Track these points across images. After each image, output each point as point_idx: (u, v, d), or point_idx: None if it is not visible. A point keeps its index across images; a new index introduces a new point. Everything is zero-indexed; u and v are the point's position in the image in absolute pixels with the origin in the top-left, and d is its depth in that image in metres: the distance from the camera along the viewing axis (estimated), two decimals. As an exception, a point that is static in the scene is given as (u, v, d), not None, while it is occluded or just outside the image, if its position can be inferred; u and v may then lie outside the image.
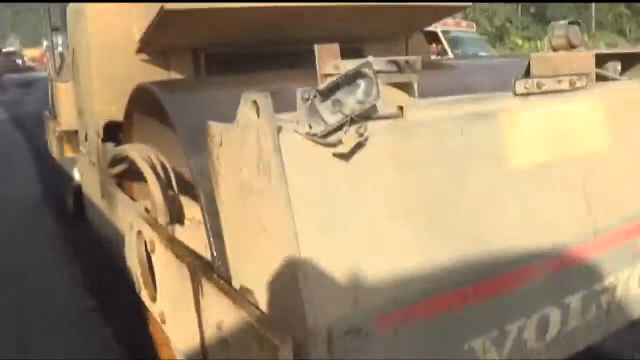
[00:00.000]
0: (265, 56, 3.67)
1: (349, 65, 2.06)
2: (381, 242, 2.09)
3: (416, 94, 2.31)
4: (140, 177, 3.65)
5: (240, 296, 2.26)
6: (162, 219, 3.40)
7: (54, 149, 7.60)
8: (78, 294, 5.62)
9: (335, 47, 2.43)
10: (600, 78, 3.19)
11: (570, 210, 2.71)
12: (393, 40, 5.29)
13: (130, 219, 3.60)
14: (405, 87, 2.30)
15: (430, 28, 14.36)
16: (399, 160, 2.20)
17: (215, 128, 2.25)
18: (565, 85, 2.79)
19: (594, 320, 2.85)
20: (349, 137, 1.98)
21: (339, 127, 1.98)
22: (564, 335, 2.73)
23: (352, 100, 2.00)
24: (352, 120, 1.97)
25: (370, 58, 2.06)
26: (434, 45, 14.83)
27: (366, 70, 1.99)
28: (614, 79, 3.31)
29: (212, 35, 4.29)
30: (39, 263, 6.56)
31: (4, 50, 50.52)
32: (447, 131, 2.36)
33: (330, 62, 2.27)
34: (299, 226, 1.92)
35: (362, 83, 2.01)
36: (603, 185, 2.84)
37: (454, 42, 15.51)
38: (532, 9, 40.55)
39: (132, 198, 4.08)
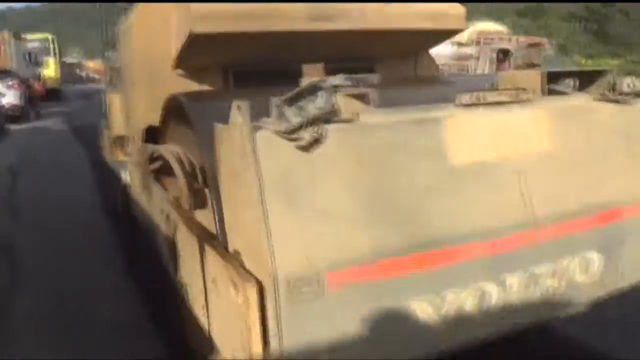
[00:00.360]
0: (290, 72, 3.80)
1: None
2: (334, 215, 2.79)
3: (373, 104, 3.01)
4: (172, 172, 4.38)
5: (229, 256, 3.05)
6: (186, 204, 4.15)
7: (107, 153, 8.38)
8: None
9: (319, 66, 3.53)
10: (553, 92, 3.99)
11: (507, 202, 3.28)
12: (402, 59, 5.93)
13: (161, 206, 4.66)
14: (362, 97, 2.98)
15: (505, 46, 14.56)
16: (353, 154, 2.89)
17: (218, 129, 3.00)
18: (506, 98, 3.46)
19: (538, 301, 3.41)
20: (307, 134, 2.71)
21: (300, 127, 2.69)
22: (505, 310, 3.27)
23: (311, 107, 2.71)
24: (312, 122, 2.70)
25: (339, 76, 2.85)
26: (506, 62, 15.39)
27: (324, 84, 2.72)
28: (563, 93, 4.02)
29: (237, 55, 4.95)
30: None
31: (67, 61, 51.20)
32: (395, 132, 3.04)
33: (315, 78, 2.90)
34: (267, 199, 2.67)
35: (321, 94, 2.71)
36: (543, 183, 3.40)
37: None
38: (594, 27, 40.14)
39: (166, 190, 4.85)
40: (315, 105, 2.73)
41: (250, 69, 4.96)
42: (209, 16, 4.46)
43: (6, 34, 31.21)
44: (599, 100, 3.84)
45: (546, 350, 4.76)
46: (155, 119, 5.07)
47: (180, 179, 4.24)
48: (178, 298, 4.28)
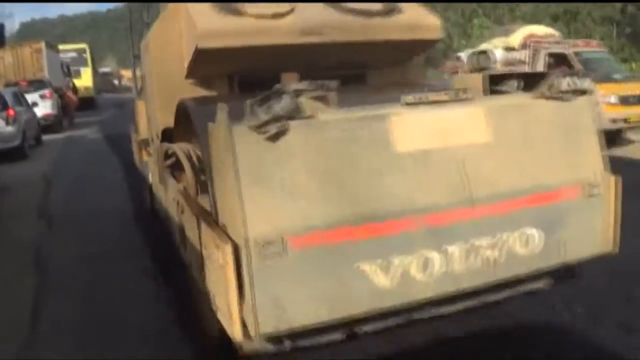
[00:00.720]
0: (309, 74, 4.38)
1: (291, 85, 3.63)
2: (296, 192, 3.53)
3: (333, 104, 3.76)
4: (182, 166, 5.35)
5: (217, 228, 3.85)
6: (192, 192, 5.07)
7: (135, 156, 9.74)
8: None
9: (295, 75, 4.54)
10: (496, 92, 4.83)
11: (446, 183, 3.93)
12: (391, 67, 6.59)
13: (174, 195, 5.54)
14: (323, 99, 3.71)
15: (560, 50, 14.41)
16: (312, 144, 3.61)
17: (210, 126, 3.82)
18: (446, 97, 4.15)
19: (478, 269, 4.03)
20: (273, 128, 3.45)
21: (268, 122, 3.43)
22: (447, 274, 3.92)
23: (277, 106, 3.45)
24: (278, 119, 3.44)
25: (303, 82, 3.69)
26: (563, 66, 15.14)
27: (287, 89, 3.50)
28: (505, 92, 4.87)
29: (240, 65, 5.81)
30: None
31: (100, 70, 51.56)
32: (347, 127, 3.73)
33: (290, 84, 3.70)
34: (242, 179, 3.44)
35: (285, 97, 3.46)
36: (480, 168, 4.04)
37: (587, 63, 15.69)
38: (628, 30, 39.70)
39: (178, 182, 5.64)
40: (280, 106, 3.48)
41: (253, 77, 5.56)
42: (213, 33, 5.33)
43: (41, 44, 31.49)
44: (539, 98, 4.42)
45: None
46: (170, 121, 5.85)
47: (188, 171, 5.22)
48: (187, 271, 5.16)
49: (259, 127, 3.48)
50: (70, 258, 7.82)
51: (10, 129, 17.33)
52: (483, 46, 20.23)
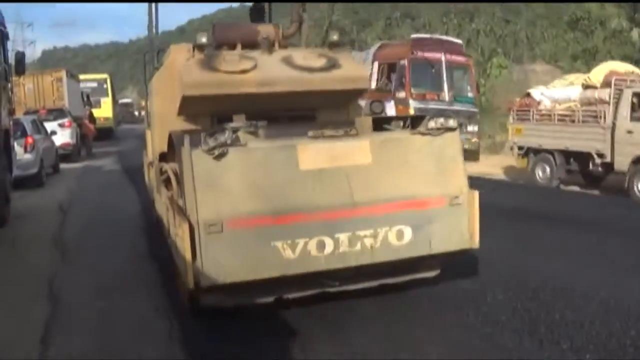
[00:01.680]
0: (255, 115, 6.34)
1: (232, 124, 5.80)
2: (232, 192, 5.44)
3: (261, 136, 6.10)
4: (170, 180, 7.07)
5: (184, 216, 5.65)
6: (175, 196, 6.65)
7: (145, 175, 11.35)
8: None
9: (242, 116, 6.07)
10: (382, 129, 7.18)
11: (337, 191, 5.83)
12: (337, 108, 8.17)
13: (164, 199, 7.36)
14: (254, 133, 5.91)
15: None
16: (244, 162, 5.57)
17: (180, 150, 5.58)
18: (339, 133, 6.19)
19: (361, 252, 5.85)
20: (217, 151, 5.39)
21: (215, 148, 5.35)
22: (337, 255, 5.78)
23: (221, 137, 5.36)
24: (221, 145, 5.35)
25: (241, 122, 6.02)
26: None
27: (228, 126, 5.51)
28: (388, 130, 7.21)
29: (216, 107, 7.49)
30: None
31: (120, 101, 51.85)
32: (267, 151, 5.71)
33: (239, 123, 5.92)
34: (196, 184, 5.39)
35: (227, 131, 5.37)
36: (363, 182, 5.92)
37: None
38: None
39: (169, 190, 7.28)
40: (223, 137, 5.46)
41: (227, 115, 6.51)
42: (194, 84, 7.27)
43: (62, 73, 31.70)
44: (415, 134, 6.37)
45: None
46: (165, 147, 7.55)
47: (173, 182, 6.90)
48: (170, 249, 6.82)
49: (209, 151, 5.50)
50: (83, 289, 7.83)
51: (28, 156, 17.44)
52: (556, 83, 21.14)
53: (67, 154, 24.90)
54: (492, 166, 24.33)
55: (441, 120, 6.27)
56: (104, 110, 40.14)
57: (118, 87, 67.29)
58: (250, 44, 8.09)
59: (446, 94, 22.31)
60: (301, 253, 5.68)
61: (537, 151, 19.93)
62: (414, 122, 6.87)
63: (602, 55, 36.45)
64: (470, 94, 23.68)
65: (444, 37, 26.64)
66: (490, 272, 7.87)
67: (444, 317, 6.53)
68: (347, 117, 8.21)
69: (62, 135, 24.78)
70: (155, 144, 8.48)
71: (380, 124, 7.57)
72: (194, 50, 7.66)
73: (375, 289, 6.58)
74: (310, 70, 7.54)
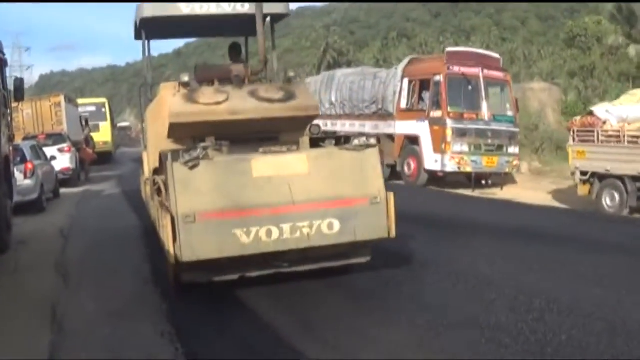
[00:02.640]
0: (233, 139, 8.32)
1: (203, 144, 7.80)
2: (203, 193, 7.39)
3: (225, 153, 7.95)
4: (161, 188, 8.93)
5: (168, 211, 7.60)
6: (164, 201, 8.31)
7: (142, 190, 13.04)
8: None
9: (212, 138, 8.11)
10: (317, 146, 8.80)
11: (281, 193, 7.53)
12: (294, 131, 9.40)
13: (156, 204, 9.17)
14: (220, 150, 7.90)
15: None
16: (211, 171, 7.49)
17: (166, 163, 7.66)
18: (283, 149, 8.01)
19: (300, 238, 7.50)
20: (191, 164, 7.37)
21: (189, 161, 7.35)
22: (282, 240, 7.45)
23: (194, 153, 7.41)
24: (194, 159, 7.37)
25: (211, 143, 8.00)
26: None
27: (200, 145, 7.58)
28: (323, 146, 8.69)
29: (198, 132, 8.62)
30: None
31: (118, 125, 51.85)
32: (228, 163, 7.69)
33: (209, 142, 7.95)
34: (177, 188, 7.35)
35: (199, 149, 7.46)
36: (302, 186, 7.61)
37: None
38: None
39: (159, 196, 9.04)
40: (195, 153, 7.32)
41: (207, 137, 8.27)
42: (179, 114, 8.72)
43: (60, 98, 31.71)
44: (343, 149, 8.24)
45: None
46: (157, 163, 9.41)
47: (162, 189, 8.70)
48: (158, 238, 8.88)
49: (185, 163, 7.39)
50: (87, 315, 7.80)
51: (28, 182, 17.42)
52: (623, 100, 19.08)
53: (67, 179, 24.87)
54: (534, 190, 22.81)
55: (363, 139, 8.38)
56: (103, 134, 40.05)
57: (116, 110, 67.38)
58: (225, 80, 9.45)
59: (485, 113, 21.79)
60: (254, 238, 7.50)
61: (603, 176, 17.53)
62: (345, 140, 8.69)
63: (599, 72, 36.58)
64: (509, 113, 22.92)
65: (481, 51, 26.07)
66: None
67: (450, 336, 6.46)
68: (302, 137, 9.57)
69: (62, 160, 24.68)
70: (150, 161, 10.45)
71: (318, 141, 9.18)
72: (179, 86, 9.06)
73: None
74: (271, 101, 8.99)
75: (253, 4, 9.54)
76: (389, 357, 5.95)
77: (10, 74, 20.47)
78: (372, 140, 8.37)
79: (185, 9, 10.10)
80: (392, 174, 23.55)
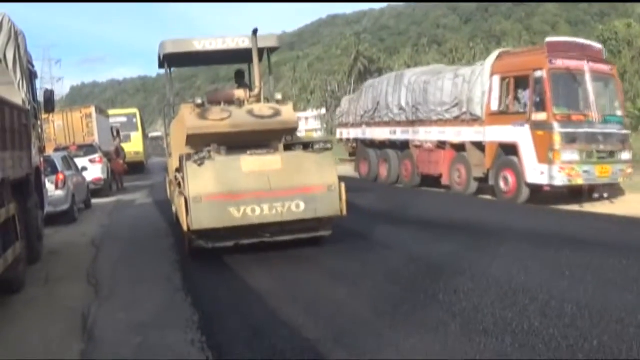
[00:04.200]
0: (236, 146, 11.04)
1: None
2: (206, 183, 10.59)
3: (223, 154, 10.89)
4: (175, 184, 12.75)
5: (183, 195, 11.00)
6: (182, 189, 11.42)
7: (167, 189, 16.25)
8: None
9: (215, 145, 10.99)
10: (289, 149, 11.73)
11: (262, 181, 10.67)
12: (278, 139, 12.02)
13: (177, 193, 12.35)
14: (219, 152, 10.94)
15: None
16: (212, 167, 10.70)
17: (182, 162, 11.05)
18: (265, 152, 11.17)
19: (275, 214, 10.67)
20: (199, 161, 10.67)
21: (197, 160, 10.66)
22: (262, 215, 10.64)
23: (201, 155, 10.74)
24: (202, 158, 10.68)
25: (214, 147, 11.09)
26: None
27: (206, 149, 10.84)
28: (293, 150, 11.58)
29: (208, 140, 11.09)
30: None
31: (150, 135, 52.18)
32: (225, 161, 10.83)
33: (211, 148, 11.02)
34: (189, 179, 10.64)
35: (205, 152, 10.78)
36: (277, 178, 10.75)
37: None
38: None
39: (180, 188, 11.84)
40: (202, 155, 10.69)
41: (223, 144, 11.11)
42: (194, 127, 11.39)
43: (91, 109, 31.94)
44: (308, 152, 11.24)
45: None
46: (177, 165, 12.19)
47: (181, 182, 11.50)
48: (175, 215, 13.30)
49: (194, 162, 10.54)
50: (118, 325, 7.76)
51: (59, 193, 17.54)
52: None
53: (98, 189, 25.04)
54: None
55: (322, 144, 11.59)
56: (134, 145, 40.27)
57: (147, 120, 67.85)
58: (229, 102, 12.32)
59: (595, 114, 18.13)
60: (243, 214, 10.57)
61: None
62: (310, 145, 11.61)
63: (629, 75, 36.28)
64: (619, 112, 19.46)
65: (582, 41, 21.15)
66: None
67: (477, 340, 6.34)
68: (280, 143, 12.24)
69: (93, 171, 24.82)
70: (173, 164, 13.28)
71: (290, 146, 11.82)
72: (195, 107, 11.79)
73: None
74: (263, 117, 11.73)
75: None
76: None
77: (41, 86, 20.63)
78: (329, 145, 11.65)
79: (198, 46, 13.19)
80: (481, 189, 20.94)
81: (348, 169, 29.45)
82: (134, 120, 42.12)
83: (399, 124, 25.03)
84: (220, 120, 11.48)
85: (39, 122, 14.40)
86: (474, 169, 20.60)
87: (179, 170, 11.74)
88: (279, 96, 12.71)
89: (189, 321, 7.57)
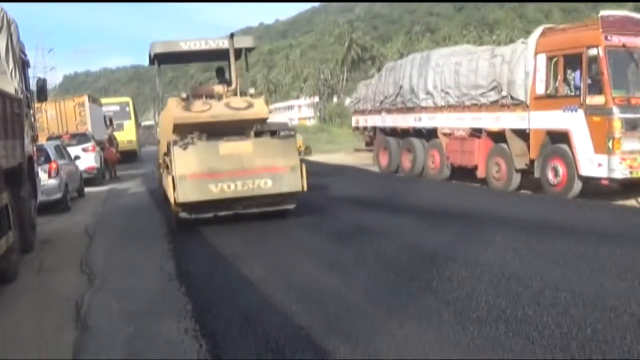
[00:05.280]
0: (214, 133, 13.04)
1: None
2: (191, 163, 12.64)
3: (204, 140, 12.88)
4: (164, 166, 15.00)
5: (170, 174, 12.97)
6: (169, 170, 13.32)
7: (156, 172, 19.18)
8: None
9: (198, 133, 13.05)
10: (259, 136, 13.64)
11: (236, 162, 12.80)
12: (251, 128, 13.68)
13: (165, 174, 14.59)
14: (201, 138, 12.89)
15: None
16: (196, 150, 12.75)
17: (170, 146, 13.03)
18: (238, 139, 13.23)
19: (247, 190, 12.80)
20: (184, 146, 12.71)
21: (182, 145, 12.70)
22: (236, 191, 12.72)
23: (186, 140, 12.77)
24: (187, 144, 12.72)
25: (197, 134, 13.15)
26: None
27: (190, 136, 12.89)
28: (262, 137, 13.55)
29: (192, 129, 13.14)
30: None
31: (143, 124, 52.06)
32: (206, 146, 12.88)
33: (194, 135, 13.23)
34: (175, 160, 12.64)
35: (188, 139, 12.82)
36: (248, 160, 12.85)
37: None
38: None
39: (167, 169, 14.06)
40: (187, 140, 12.72)
41: (204, 132, 12.97)
42: (179, 118, 13.48)
43: (84, 98, 31.86)
44: (274, 138, 13.39)
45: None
46: (165, 150, 14.00)
47: (169, 164, 13.20)
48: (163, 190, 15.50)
49: (180, 146, 12.59)
50: (112, 314, 7.77)
51: (52, 182, 17.56)
52: None
53: (92, 178, 25.04)
54: None
55: (287, 132, 13.96)
56: (128, 134, 40.15)
57: (140, 109, 67.60)
58: (210, 96, 14.51)
59: None
60: (220, 189, 12.60)
61: None
62: (276, 133, 13.68)
63: None
64: None
65: (638, 16, 17.71)
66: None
67: (473, 331, 6.32)
68: (252, 131, 13.97)
69: (87, 160, 24.76)
70: (162, 149, 15.47)
71: (260, 134, 13.63)
72: (180, 100, 13.89)
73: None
74: (238, 109, 13.88)
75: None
76: (415, 352, 5.84)
77: (34, 75, 20.56)
78: (293, 132, 14.36)
79: (184, 47, 15.26)
80: (526, 182, 18.73)
81: (364, 160, 29.03)
82: (127, 109, 41.98)
83: (425, 109, 22.84)
84: (202, 112, 13.64)
85: (31, 111, 14.40)
86: (516, 159, 18.33)
87: (167, 154, 13.47)
88: (252, 91, 15.28)
89: (183, 310, 7.55)
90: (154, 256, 10.91)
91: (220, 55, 16.01)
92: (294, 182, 12.95)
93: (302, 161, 13.47)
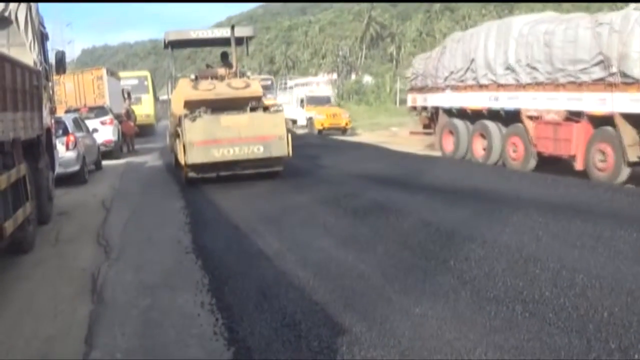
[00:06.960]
0: (217, 108, 15.98)
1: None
2: (199, 133, 15.49)
3: (209, 113, 15.73)
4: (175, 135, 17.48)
5: (182, 142, 15.81)
6: (180, 138, 16.16)
7: (168, 141, 21.01)
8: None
9: (204, 107, 15.98)
10: (254, 110, 16.58)
11: (234, 131, 15.65)
12: (247, 104, 16.24)
13: (177, 142, 17.01)
14: (206, 112, 15.74)
15: None
16: (202, 122, 15.58)
17: (181, 118, 15.95)
18: (236, 113, 16.09)
19: (243, 154, 15.73)
20: (193, 118, 15.54)
21: (191, 118, 15.55)
22: (235, 154, 15.63)
23: (193, 115, 15.61)
24: (195, 116, 15.55)
25: (203, 109, 16.26)
26: None
27: (197, 111, 15.75)
28: (255, 112, 16.46)
29: (200, 104, 15.96)
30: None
31: (160, 98, 52.18)
32: (210, 119, 15.69)
33: (201, 110, 16.22)
34: (186, 130, 15.51)
35: (198, 112, 15.75)
36: (244, 129, 15.73)
37: None
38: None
39: (178, 137, 16.57)
40: (194, 114, 15.57)
41: (209, 107, 15.83)
42: (189, 95, 16.40)
43: (102, 71, 31.83)
44: (265, 113, 16.40)
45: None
46: (178, 122, 16.47)
47: (180, 133, 15.99)
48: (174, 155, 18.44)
49: (190, 119, 15.41)
50: (127, 286, 7.79)
51: (70, 154, 17.57)
52: None
53: (109, 151, 25.10)
54: None
55: (276, 107, 17.14)
56: (145, 107, 40.04)
57: (158, 84, 67.60)
58: (214, 77, 17.21)
59: None
60: (221, 153, 15.33)
61: None
62: (267, 108, 16.67)
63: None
64: None
65: None
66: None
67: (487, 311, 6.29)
68: (248, 107, 16.42)
69: (104, 133, 24.81)
70: (173, 122, 18.09)
71: (254, 109, 16.20)
72: (190, 81, 16.84)
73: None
74: (237, 88, 16.57)
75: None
76: (430, 330, 5.81)
77: (53, 48, 20.54)
78: (280, 107, 17.42)
79: (193, 35, 18.35)
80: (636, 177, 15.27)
81: (416, 144, 27.19)
82: (145, 83, 41.87)
83: (504, 87, 18.92)
84: (207, 90, 16.47)
85: (50, 84, 14.37)
86: (629, 149, 14.62)
87: (179, 125, 16.14)
88: (249, 74, 19.61)
89: (199, 283, 7.57)
90: (171, 229, 10.93)
91: (224, 41, 19.26)
92: (281, 148, 15.82)
93: (288, 131, 16.45)
